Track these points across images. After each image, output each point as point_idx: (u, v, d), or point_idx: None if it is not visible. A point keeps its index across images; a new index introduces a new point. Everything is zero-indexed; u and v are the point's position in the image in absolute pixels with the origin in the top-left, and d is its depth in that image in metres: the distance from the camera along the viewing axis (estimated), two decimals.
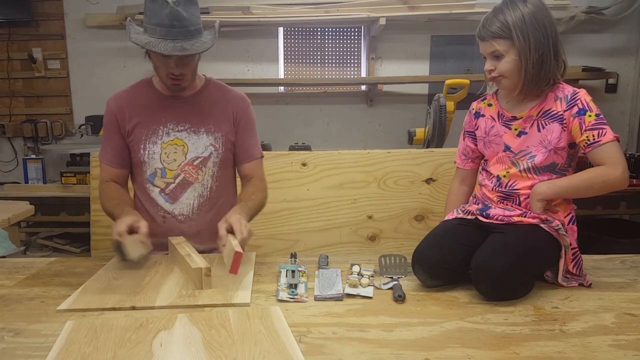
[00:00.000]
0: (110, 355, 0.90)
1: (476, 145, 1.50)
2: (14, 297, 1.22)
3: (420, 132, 2.87)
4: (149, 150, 1.54)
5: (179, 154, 1.55)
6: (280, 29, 3.70)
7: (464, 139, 1.55)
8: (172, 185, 1.56)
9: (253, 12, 3.45)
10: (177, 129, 1.55)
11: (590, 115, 1.28)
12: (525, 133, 1.36)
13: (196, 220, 1.58)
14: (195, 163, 1.56)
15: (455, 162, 1.60)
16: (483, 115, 1.47)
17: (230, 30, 3.55)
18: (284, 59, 3.79)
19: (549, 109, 1.33)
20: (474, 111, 1.51)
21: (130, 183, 1.66)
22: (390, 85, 3.69)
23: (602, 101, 3.77)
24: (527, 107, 1.36)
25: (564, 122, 1.31)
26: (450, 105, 2.65)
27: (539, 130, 1.34)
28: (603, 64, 3.63)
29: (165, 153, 1.55)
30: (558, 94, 1.33)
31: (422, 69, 3.74)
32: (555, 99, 1.33)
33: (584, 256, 1.36)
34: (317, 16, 3.43)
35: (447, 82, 2.71)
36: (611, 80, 3.72)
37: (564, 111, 1.31)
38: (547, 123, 1.33)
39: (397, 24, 3.53)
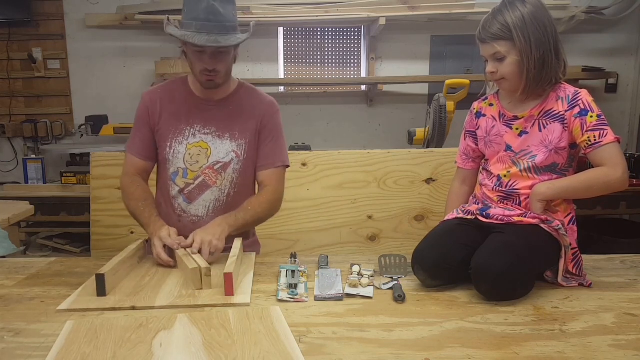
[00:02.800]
0: (110, 355, 0.90)
1: (477, 145, 1.50)
2: (14, 297, 1.22)
3: (420, 132, 2.87)
4: (174, 149, 1.56)
5: (202, 156, 1.56)
6: (280, 29, 3.70)
7: (465, 139, 1.55)
8: (192, 186, 1.57)
9: (253, 12, 3.45)
10: (203, 132, 1.56)
11: (591, 116, 1.28)
12: (527, 133, 1.36)
13: (208, 223, 1.58)
14: (216, 167, 1.56)
15: (456, 162, 1.60)
16: (484, 115, 1.47)
17: None
18: (284, 59, 3.79)
19: (551, 109, 1.33)
20: (475, 111, 1.51)
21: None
22: (390, 85, 3.69)
23: (602, 101, 3.77)
24: (529, 106, 1.36)
25: (565, 122, 1.31)
26: (450, 105, 2.65)
27: (540, 130, 1.34)
28: (603, 64, 3.63)
29: (190, 154, 1.56)
30: (560, 93, 1.33)
31: (422, 69, 3.74)
32: (556, 99, 1.33)
33: (584, 256, 1.36)
34: (317, 16, 3.43)
35: (447, 82, 2.71)
36: (611, 80, 3.72)
37: (566, 111, 1.31)
38: (548, 123, 1.33)
39: (397, 24, 3.53)
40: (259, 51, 3.68)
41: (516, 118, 1.38)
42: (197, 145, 1.56)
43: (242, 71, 3.68)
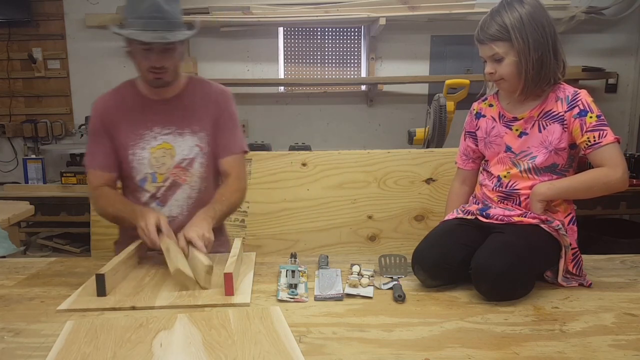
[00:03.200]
0: (110, 355, 0.90)
1: (477, 145, 1.50)
2: (14, 297, 1.22)
3: (420, 132, 2.87)
4: (138, 156, 1.53)
5: (167, 157, 1.54)
6: (280, 29, 3.70)
7: (464, 140, 1.55)
8: (163, 189, 1.56)
9: (253, 12, 3.45)
10: (163, 132, 1.54)
11: (591, 117, 1.28)
12: (526, 134, 1.36)
13: (184, 222, 1.57)
14: (182, 165, 1.55)
15: (456, 163, 1.60)
16: (484, 116, 1.47)
17: (230, 30, 3.55)
18: (284, 59, 3.79)
19: (550, 110, 1.33)
20: (474, 112, 1.51)
21: None
22: (390, 85, 3.69)
23: (602, 101, 3.77)
24: (528, 107, 1.36)
25: (565, 122, 1.31)
26: (450, 105, 2.65)
27: (539, 131, 1.34)
28: (603, 64, 3.63)
29: (155, 157, 1.54)
30: (559, 94, 1.33)
31: (422, 69, 3.74)
32: (556, 100, 1.33)
33: (584, 256, 1.36)
34: (317, 16, 3.43)
35: (447, 82, 2.71)
36: (611, 80, 3.72)
37: (565, 112, 1.31)
38: (548, 124, 1.33)
39: (397, 24, 3.53)
40: (259, 51, 3.68)
41: (516, 119, 1.37)
42: (160, 147, 1.54)
43: (242, 71, 3.68)
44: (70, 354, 0.91)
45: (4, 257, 1.71)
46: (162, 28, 1.39)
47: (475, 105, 1.52)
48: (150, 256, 1.48)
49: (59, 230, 3.31)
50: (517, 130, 1.37)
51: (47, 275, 1.38)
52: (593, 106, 1.29)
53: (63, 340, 0.96)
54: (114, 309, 1.13)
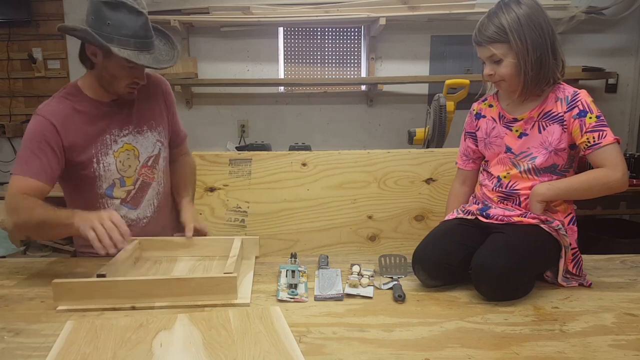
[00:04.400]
0: (110, 355, 0.90)
1: (477, 146, 1.50)
2: (14, 297, 1.22)
3: (420, 132, 2.86)
4: (103, 163, 1.47)
5: (131, 159, 1.52)
6: (280, 29, 3.70)
7: (464, 140, 1.55)
8: (133, 192, 1.54)
9: (253, 12, 3.45)
10: (122, 134, 1.50)
11: (590, 117, 1.27)
12: (527, 134, 1.36)
13: (158, 218, 1.59)
14: (149, 163, 1.55)
15: (456, 163, 1.60)
16: (484, 117, 1.47)
17: (230, 30, 3.55)
18: (284, 59, 3.79)
19: (550, 110, 1.33)
20: (474, 112, 1.51)
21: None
22: (390, 85, 3.69)
23: (602, 101, 3.77)
24: (528, 108, 1.36)
25: (565, 123, 1.31)
26: (450, 105, 2.64)
27: (539, 132, 1.34)
28: (603, 64, 3.62)
29: (120, 161, 1.50)
30: (558, 94, 1.33)
31: (422, 69, 3.74)
32: (555, 100, 1.33)
33: (584, 256, 1.37)
34: (317, 16, 3.43)
35: (447, 82, 2.71)
36: (611, 80, 3.72)
37: (565, 112, 1.31)
38: (547, 124, 1.33)
39: (397, 24, 3.53)
40: (259, 51, 3.68)
41: (516, 120, 1.37)
42: (122, 150, 1.50)
43: (242, 71, 3.68)
44: (70, 354, 0.91)
45: (4, 257, 1.72)
46: (152, 47, 1.39)
47: (475, 106, 1.52)
48: (149, 255, 1.48)
49: None
50: (517, 131, 1.37)
51: (47, 275, 1.38)
52: (593, 106, 1.29)
53: (63, 340, 0.96)
54: (114, 309, 1.13)
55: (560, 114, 1.31)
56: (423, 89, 3.74)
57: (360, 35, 3.77)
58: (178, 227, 1.57)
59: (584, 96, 1.30)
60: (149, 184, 1.55)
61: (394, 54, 3.71)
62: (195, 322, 1.03)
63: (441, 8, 3.40)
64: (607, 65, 3.63)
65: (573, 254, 1.30)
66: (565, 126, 1.31)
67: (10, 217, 1.35)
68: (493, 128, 1.42)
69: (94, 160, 1.46)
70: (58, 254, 3.19)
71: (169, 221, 1.62)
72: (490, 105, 1.46)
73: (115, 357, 0.90)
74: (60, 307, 1.13)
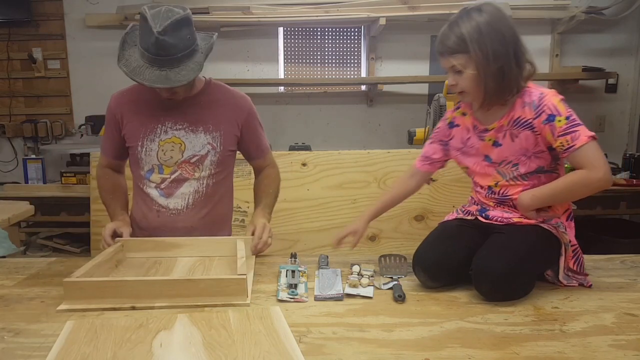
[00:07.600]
0: (110, 355, 0.90)
1: (444, 153, 1.47)
2: (14, 297, 1.22)
3: (420, 132, 2.87)
4: (146, 147, 1.58)
5: (175, 151, 1.57)
6: (280, 29, 3.70)
7: (430, 143, 1.50)
8: (168, 181, 1.59)
9: (253, 12, 3.45)
10: (175, 128, 1.57)
11: (560, 120, 1.22)
12: (500, 145, 1.32)
13: (190, 216, 1.60)
14: (192, 161, 1.58)
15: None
16: (457, 125, 1.43)
17: (230, 30, 3.54)
18: (284, 59, 3.79)
19: (519, 117, 1.28)
20: (447, 121, 1.47)
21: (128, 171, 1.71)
22: (390, 85, 3.69)
23: (602, 101, 3.77)
24: (497, 116, 1.32)
25: (535, 129, 1.26)
26: (450, 105, 2.64)
27: (512, 141, 1.30)
28: (603, 64, 3.62)
29: (162, 150, 1.57)
30: (525, 99, 1.28)
31: (422, 69, 3.74)
32: (523, 106, 1.28)
33: (584, 256, 1.36)
34: (317, 16, 3.43)
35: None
36: (611, 80, 3.72)
37: (534, 119, 1.26)
38: (519, 132, 1.29)
39: (397, 24, 3.53)
40: (259, 51, 3.68)
41: (487, 130, 1.34)
42: (169, 141, 1.57)
43: (242, 71, 3.68)
44: (70, 354, 0.91)
45: (4, 257, 1.72)
46: (167, 65, 1.38)
47: (448, 114, 1.48)
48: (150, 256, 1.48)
49: (59, 230, 3.30)
50: (490, 140, 1.34)
51: (47, 275, 1.38)
52: (561, 107, 1.23)
53: (63, 340, 0.96)
54: (114, 309, 1.13)
55: (529, 120, 1.26)
56: (423, 89, 3.75)
57: (360, 35, 3.77)
58: (206, 235, 1.61)
59: (549, 98, 1.24)
60: (185, 179, 1.59)
61: (394, 54, 3.71)
62: (195, 322, 1.03)
63: (441, 8, 3.40)
64: (607, 65, 3.63)
65: (573, 251, 1.30)
66: (536, 132, 1.26)
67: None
68: (468, 138, 1.39)
69: (139, 143, 1.58)
70: (58, 254, 3.20)
71: (201, 225, 1.61)
72: (464, 114, 1.42)
73: (115, 357, 0.90)
74: (60, 307, 1.13)
